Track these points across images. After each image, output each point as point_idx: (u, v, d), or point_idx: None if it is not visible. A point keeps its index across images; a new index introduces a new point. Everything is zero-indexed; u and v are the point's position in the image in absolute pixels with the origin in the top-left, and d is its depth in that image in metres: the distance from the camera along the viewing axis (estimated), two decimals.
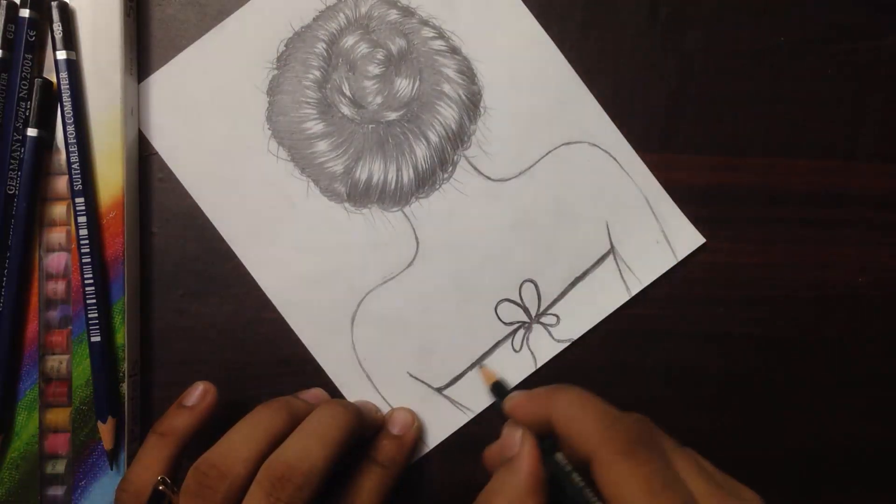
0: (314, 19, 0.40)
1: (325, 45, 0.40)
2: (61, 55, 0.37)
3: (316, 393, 0.39)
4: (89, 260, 0.37)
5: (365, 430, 0.37)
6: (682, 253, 0.40)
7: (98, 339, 0.37)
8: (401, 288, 0.40)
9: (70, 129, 0.37)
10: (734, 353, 0.41)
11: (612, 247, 0.40)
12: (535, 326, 0.40)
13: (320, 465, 0.32)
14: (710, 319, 0.41)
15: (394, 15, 0.40)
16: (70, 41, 0.37)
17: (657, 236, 0.40)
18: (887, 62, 0.41)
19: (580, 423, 0.30)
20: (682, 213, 0.40)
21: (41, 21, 0.38)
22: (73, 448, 0.38)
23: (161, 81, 0.40)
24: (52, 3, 0.37)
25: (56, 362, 0.38)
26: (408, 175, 0.40)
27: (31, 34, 0.37)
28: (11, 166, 0.37)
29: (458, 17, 0.40)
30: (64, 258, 0.38)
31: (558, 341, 0.40)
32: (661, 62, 0.41)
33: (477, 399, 0.40)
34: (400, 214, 0.40)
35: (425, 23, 0.40)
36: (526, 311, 0.40)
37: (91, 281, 0.37)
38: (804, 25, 0.41)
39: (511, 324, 0.40)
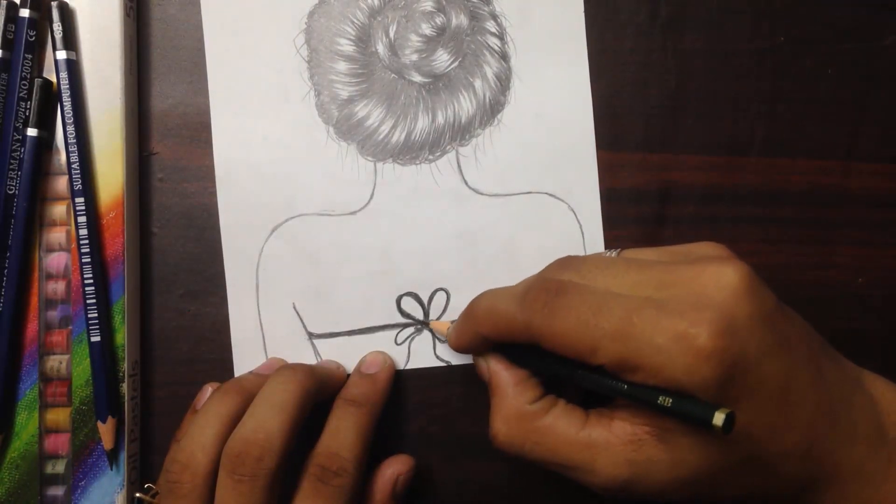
0: None
1: None
2: (61, 55, 0.37)
3: (271, 363, 0.39)
4: (89, 260, 0.37)
5: (324, 385, 0.36)
6: None
7: (98, 338, 0.37)
8: (330, 227, 0.40)
9: (70, 129, 0.37)
10: None
11: None
12: (426, 333, 0.40)
13: (276, 432, 0.32)
14: None
15: None
16: (70, 41, 0.37)
17: None
18: (887, 62, 0.41)
19: (507, 320, 0.32)
20: None
21: (41, 21, 0.38)
22: (72, 448, 0.38)
23: None
24: (52, 3, 0.37)
25: (56, 362, 0.38)
26: (399, 136, 0.40)
27: (31, 34, 0.37)
28: (11, 166, 0.37)
29: (524, 29, 0.40)
30: (64, 258, 0.38)
31: (437, 357, 0.40)
32: (661, 62, 0.41)
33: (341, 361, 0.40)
34: (371, 166, 0.40)
35: (494, 16, 0.40)
36: (426, 313, 0.40)
37: (91, 281, 0.37)
38: (804, 25, 0.41)
39: (407, 317, 0.40)
